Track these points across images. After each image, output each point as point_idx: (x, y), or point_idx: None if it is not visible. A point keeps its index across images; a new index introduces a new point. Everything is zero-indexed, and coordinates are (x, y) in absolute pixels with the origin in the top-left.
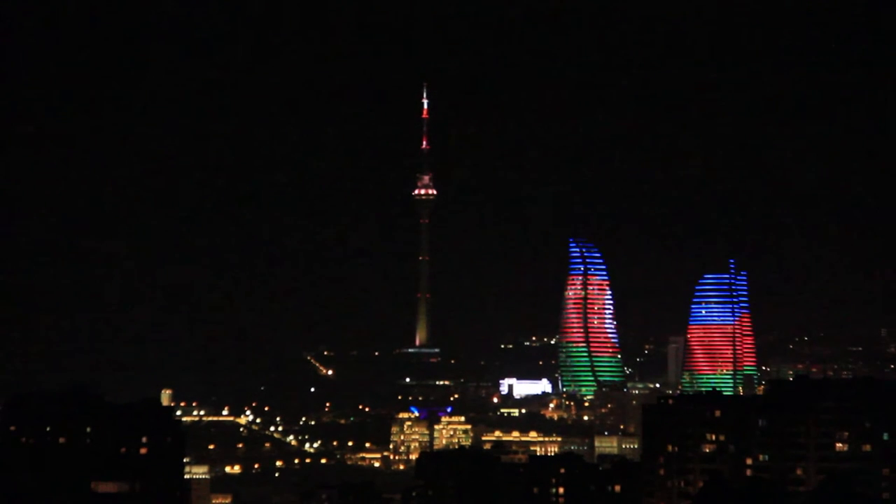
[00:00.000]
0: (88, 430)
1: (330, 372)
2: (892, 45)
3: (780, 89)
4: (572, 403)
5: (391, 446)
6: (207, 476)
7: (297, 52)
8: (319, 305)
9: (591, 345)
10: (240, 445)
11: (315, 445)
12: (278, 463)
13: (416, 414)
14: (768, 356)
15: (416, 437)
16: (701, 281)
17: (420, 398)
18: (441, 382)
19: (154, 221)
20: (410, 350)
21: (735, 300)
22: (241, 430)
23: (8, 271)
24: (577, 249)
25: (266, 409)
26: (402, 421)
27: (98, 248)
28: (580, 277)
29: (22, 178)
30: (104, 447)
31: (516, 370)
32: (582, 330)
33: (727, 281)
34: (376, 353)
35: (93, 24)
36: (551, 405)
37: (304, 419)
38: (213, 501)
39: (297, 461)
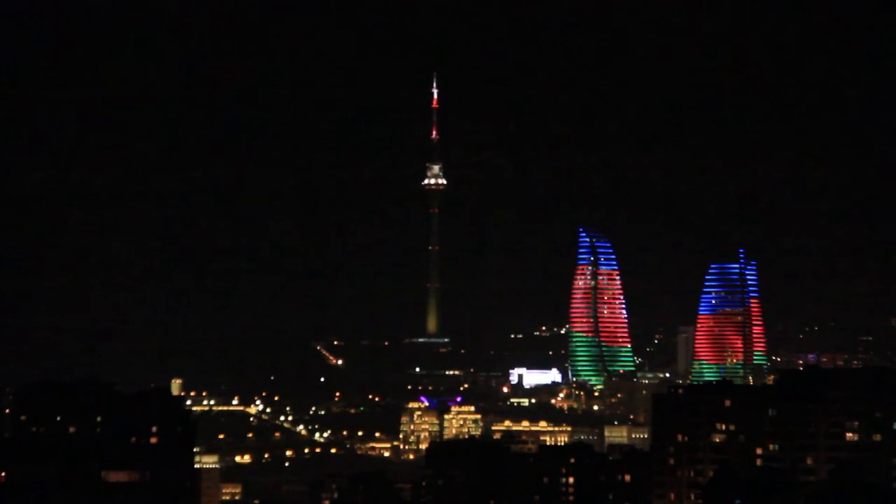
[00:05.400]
0: (99, 419)
1: (340, 362)
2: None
3: (787, 83)
4: (582, 393)
5: (401, 436)
6: (217, 466)
7: (303, 41)
8: (329, 295)
9: (602, 334)
10: (250, 435)
11: (325, 435)
12: (288, 453)
13: (426, 403)
14: (778, 346)
15: (426, 426)
16: (710, 270)
17: (430, 388)
18: (451, 372)
19: (162, 211)
20: (420, 340)
21: (744, 289)
22: (251, 419)
23: (16, 266)
24: (587, 239)
25: (276, 398)
26: (412, 411)
27: (105, 241)
28: (590, 267)
29: (29, 179)
30: (115, 436)
31: (526, 360)
32: (592, 319)
33: (736, 270)
34: (386, 343)
35: (95, 23)
36: (561, 395)
37: (313, 409)
38: (223, 491)
39: (307, 451)
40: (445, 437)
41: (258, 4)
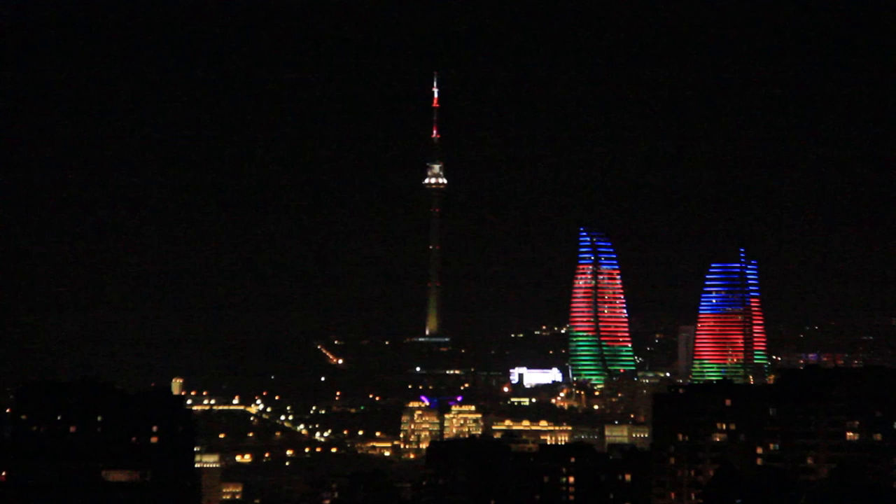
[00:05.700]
0: (99, 418)
1: (340, 361)
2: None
3: (787, 83)
4: (583, 392)
5: (401, 435)
6: (218, 465)
7: (305, 40)
8: (329, 294)
9: (602, 334)
10: (250, 434)
11: (325, 434)
12: (289, 452)
13: (427, 403)
14: (778, 346)
15: (427, 426)
16: (710, 270)
17: (430, 387)
18: (451, 371)
19: (164, 209)
20: (421, 339)
21: (745, 289)
22: (252, 419)
23: (18, 266)
24: (588, 238)
25: (276, 398)
26: (413, 410)
27: (105, 241)
28: (590, 266)
29: (30, 179)
30: (115, 436)
31: (527, 359)
32: (592, 319)
33: (737, 270)
34: (387, 342)
35: (95, 23)
36: (561, 394)
37: (314, 408)
38: (224, 490)
39: (307, 450)
40: (446, 436)
41: (258, 4)
